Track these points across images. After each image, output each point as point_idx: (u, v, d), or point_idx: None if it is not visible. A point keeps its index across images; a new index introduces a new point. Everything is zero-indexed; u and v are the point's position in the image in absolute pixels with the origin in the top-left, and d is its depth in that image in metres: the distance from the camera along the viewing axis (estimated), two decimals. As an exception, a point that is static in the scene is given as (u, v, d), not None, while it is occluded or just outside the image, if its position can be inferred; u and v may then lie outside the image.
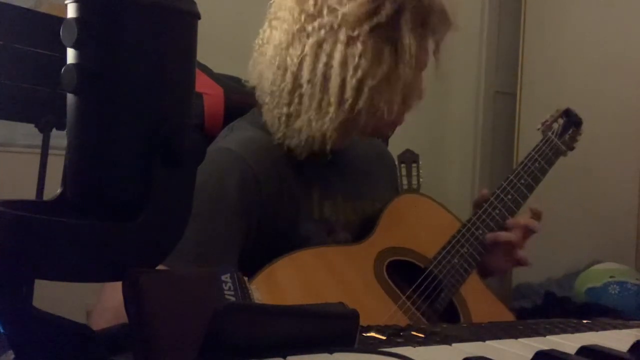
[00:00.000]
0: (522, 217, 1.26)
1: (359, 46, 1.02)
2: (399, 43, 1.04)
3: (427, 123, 3.57)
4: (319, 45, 1.04)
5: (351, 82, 1.02)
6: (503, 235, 1.22)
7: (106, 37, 0.44)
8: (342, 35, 1.03)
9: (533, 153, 1.32)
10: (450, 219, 1.27)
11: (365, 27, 1.02)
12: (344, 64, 1.02)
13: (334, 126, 1.04)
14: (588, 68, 3.15)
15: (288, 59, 1.05)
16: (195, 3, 0.47)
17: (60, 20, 0.45)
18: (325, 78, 1.04)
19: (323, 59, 1.03)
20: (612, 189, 3.00)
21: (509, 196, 1.25)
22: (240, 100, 1.13)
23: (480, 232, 1.22)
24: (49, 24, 1.70)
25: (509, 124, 3.51)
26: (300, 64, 1.04)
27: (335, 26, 1.03)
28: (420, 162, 2.36)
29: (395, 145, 2.38)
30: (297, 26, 1.05)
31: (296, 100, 1.05)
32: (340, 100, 1.03)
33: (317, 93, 1.04)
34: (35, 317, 0.44)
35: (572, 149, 1.39)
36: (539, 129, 1.39)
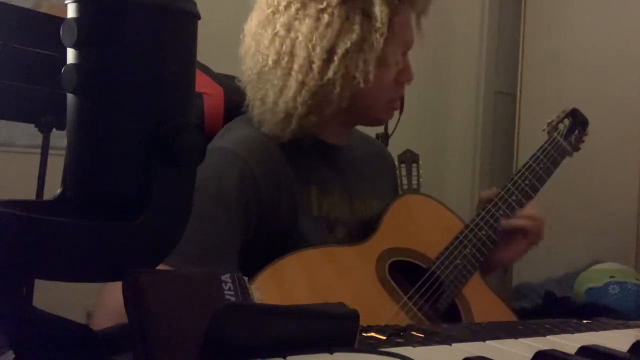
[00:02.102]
0: (530, 207, 1.26)
1: (325, 17, 1.03)
2: (370, 12, 1.04)
3: (427, 123, 3.57)
4: (289, 22, 1.05)
5: (317, 53, 1.03)
6: (520, 221, 1.22)
7: (106, 37, 0.44)
8: (311, 10, 1.04)
9: (538, 154, 1.31)
10: (453, 219, 1.26)
11: None
12: (309, 36, 1.03)
13: (302, 100, 1.04)
14: (588, 68, 3.15)
15: (261, 42, 1.07)
16: (195, 3, 0.47)
17: (60, 20, 0.45)
18: (292, 54, 1.05)
19: (291, 35, 1.05)
20: (613, 189, 3.01)
21: (513, 197, 1.25)
22: (240, 100, 1.13)
23: (484, 233, 1.21)
24: (49, 24, 1.70)
25: (509, 124, 3.51)
26: (270, 44, 1.06)
27: (306, 1, 1.04)
28: (420, 162, 2.36)
29: (395, 145, 2.39)
30: (270, 9, 1.07)
31: (265, 82, 1.07)
32: (307, 70, 1.04)
33: (282, 71, 1.05)
34: (35, 317, 0.44)
35: (577, 149, 1.38)
36: (544, 130, 1.38)
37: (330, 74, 1.03)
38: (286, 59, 1.05)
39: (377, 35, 1.04)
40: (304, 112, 1.05)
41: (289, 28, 1.05)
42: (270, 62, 1.06)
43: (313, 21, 1.03)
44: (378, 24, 1.04)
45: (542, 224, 1.24)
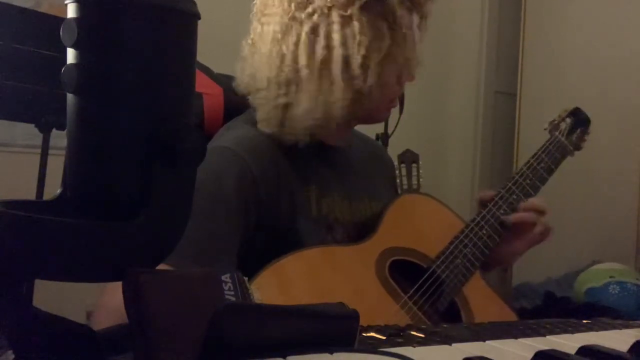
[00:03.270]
0: (534, 199, 1.26)
1: (355, 24, 1.04)
2: (391, 17, 1.06)
3: (427, 123, 3.57)
4: (314, 30, 1.05)
5: (356, 59, 1.04)
6: (528, 215, 1.23)
7: (106, 37, 0.44)
8: (335, 17, 1.04)
9: (540, 152, 1.31)
10: (453, 219, 1.26)
11: (357, 4, 1.04)
12: (344, 43, 1.04)
13: (341, 106, 1.05)
14: (588, 68, 3.15)
15: (284, 47, 1.06)
16: (195, 3, 0.47)
17: (60, 20, 0.45)
18: (325, 60, 1.04)
19: (321, 42, 1.04)
20: (613, 189, 3.00)
21: (514, 196, 1.25)
22: (240, 100, 1.13)
23: (485, 232, 1.21)
24: (49, 24, 1.70)
25: (509, 124, 3.51)
26: (296, 51, 1.05)
27: (326, 10, 1.04)
28: (420, 162, 2.37)
29: (395, 145, 2.39)
30: (289, 16, 1.06)
31: (293, 88, 1.06)
32: (348, 78, 1.04)
33: (316, 76, 1.05)
34: (35, 317, 0.44)
35: (579, 149, 1.39)
36: (546, 129, 1.39)
37: (369, 80, 1.05)
38: (317, 69, 1.04)
39: (406, 42, 1.07)
40: (343, 116, 1.06)
41: (316, 34, 1.05)
42: (302, 69, 1.05)
43: (341, 28, 1.04)
44: (404, 29, 1.06)
45: (545, 213, 1.25)
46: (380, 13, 1.05)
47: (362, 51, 1.04)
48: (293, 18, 1.05)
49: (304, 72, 1.05)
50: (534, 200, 1.25)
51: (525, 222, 1.23)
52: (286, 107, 1.07)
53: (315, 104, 1.05)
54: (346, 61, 1.04)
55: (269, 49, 1.08)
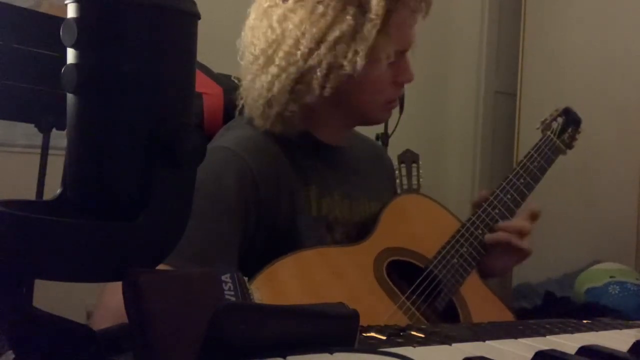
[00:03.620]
0: (515, 220, 1.25)
1: (320, 8, 1.03)
2: (367, 4, 1.04)
3: (427, 123, 3.58)
4: (285, 15, 1.05)
5: (305, 41, 1.03)
6: (502, 235, 1.22)
7: (106, 37, 0.44)
8: (308, 2, 1.04)
9: (532, 152, 1.32)
10: (450, 219, 1.27)
11: None
12: (300, 25, 1.04)
13: (281, 85, 1.04)
14: (588, 68, 3.15)
15: (256, 33, 1.08)
16: (195, 3, 0.47)
17: (60, 20, 0.45)
18: (279, 42, 1.05)
19: (283, 25, 1.05)
20: (612, 189, 3.00)
21: (509, 196, 1.25)
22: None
23: (480, 231, 1.22)
24: (49, 24, 1.70)
25: (509, 124, 3.51)
26: (262, 36, 1.07)
27: None
28: (420, 162, 2.37)
29: (395, 145, 2.39)
30: (268, 3, 1.08)
31: (252, 71, 1.07)
32: (290, 58, 1.04)
33: (266, 57, 1.05)
34: (35, 317, 0.44)
35: (571, 147, 1.40)
36: (538, 128, 1.40)
37: (314, 60, 1.03)
38: (273, 47, 1.05)
39: (370, 26, 1.03)
40: (284, 99, 1.05)
41: (283, 19, 1.05)
42: (257, 52, 1.06)
43: (307, 12, 1.04)
44: (372, 15, 1.03)
45: (527, 235, 1.23)
46: (356, 2, 1.04)
47: (314, 31, 1.03)
48: (270, 5, 1.07)
49: (256, 54, 1.06)
50: (511, 223, 1.23)
51: (500, 243, 1.22)
52: (247, 92, 1.08)
53: (256, 84, 1.06)
54: (296, 42, 1.03)
55: (244, 35, 1.11)
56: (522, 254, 1.24)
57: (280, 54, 1.04)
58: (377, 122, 1.24)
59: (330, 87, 1.05)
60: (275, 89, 1.05)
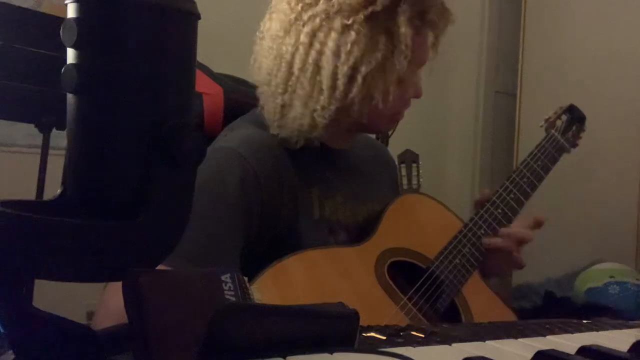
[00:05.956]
0: (515, 227, 1.24)
1: (352, 34, 1.03)
2: (394, 33, 1.04)
3: (427, 123, 3.57)
4: (314, 33, 1.05)
5: (343, 70, 1.03)
6: (498, 241, 1.22)
7: (106, 37, 0.44)
8: (337, 24, 1.03)
9: (536, 151, 1.31)
10: (452, 219, 1.26)
11: (361, 15, 1.03)
12: (336, 51, 1.03)
13: (325, 115, 1.05)
14: (588, 68, 3.15)
15: (283, 47, 1.06)
16: (195, 3, 0.47)
17: (60, 20, 0.45)
18: (318, 66, 1.04)
19: (316, 46, 1.04)
20: (612, 189, 3.00)
21: (512, 195, 1.25)
22: (239, 99, 1.13)
23: (483, 231, 1.21)
24: (49, 24, 1.70)
25: (509, 124, 3.51)
26: (294, 52, 1.06)
27: (331, 14, 1.04)
28: (420, 162, 2.36)
29: (395, 145, 2.39)
30: (294, 15, 1.06)
31: (289, 89, 1.06)
32: (332, 87, 1.04)
33: (308, 81, 1.05)
34: (35, 317, 0.44)
35: (575, 146, 1.38)
36: (541, 126, 1.38)
37: (353, 92, 1.04)
38: (312, 70, 1.05)
39: (402, 58, 1.04)
40: (326, 124, 1.06)
41: (313, 39, 1.04)
42: (295, 71, 1.05)
43: (338, 36, 1.03)
44: (403, 47, 1.04)
45: (525, 242, 1.23)
46: (383, 26, 1.04)
47: (351, 62, 1.03)
48: (297, 18, 1.05)
49: (298, 74, 1.05)
50: (514, 231, 1.23)
51: (499, 249, 1.22)
52: (283, 107, 1.07)
53: (304, 110, 1.05)
54: (334, 70, 1.03)
55: (269, 45, 1.08)
56: (516, 264, 1.24)
57: (324, 81, 1.04)
58: (381, 133, 1.25)
59: (364, 115, 1.08)
60: (325, 118, 1.05)
